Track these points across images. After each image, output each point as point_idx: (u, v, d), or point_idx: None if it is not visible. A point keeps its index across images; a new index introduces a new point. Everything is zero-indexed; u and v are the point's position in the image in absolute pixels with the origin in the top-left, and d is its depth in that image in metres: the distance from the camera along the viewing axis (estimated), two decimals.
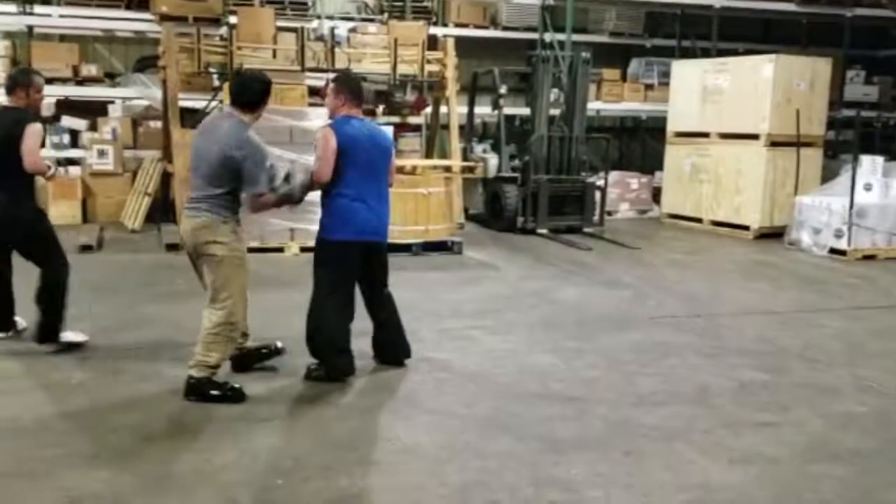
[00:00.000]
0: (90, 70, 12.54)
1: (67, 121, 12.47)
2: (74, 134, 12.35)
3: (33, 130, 5.22)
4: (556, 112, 11.82)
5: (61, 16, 12.52)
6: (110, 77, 13.10)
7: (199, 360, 4.56)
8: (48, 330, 5.37)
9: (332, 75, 11.88)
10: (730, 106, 11.72)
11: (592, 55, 11.98)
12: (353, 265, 5.01)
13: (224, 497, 3.56)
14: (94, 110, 12.59)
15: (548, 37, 13.65)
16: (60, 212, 11.35)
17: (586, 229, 11.33)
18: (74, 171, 11.89)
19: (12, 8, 12.26)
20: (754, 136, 11.39)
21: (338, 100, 5.01)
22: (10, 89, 5.41)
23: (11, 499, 3.49)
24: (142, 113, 12.71)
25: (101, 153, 11.70)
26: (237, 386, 4.67)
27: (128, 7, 12.57)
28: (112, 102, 12.78)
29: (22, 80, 5.43)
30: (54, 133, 12.28)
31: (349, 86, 5.08)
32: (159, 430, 4.26)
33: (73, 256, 8.87)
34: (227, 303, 4.58)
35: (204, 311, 4.62)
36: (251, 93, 4.70)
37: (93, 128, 12.31)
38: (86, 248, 9.21)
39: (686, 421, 4.61)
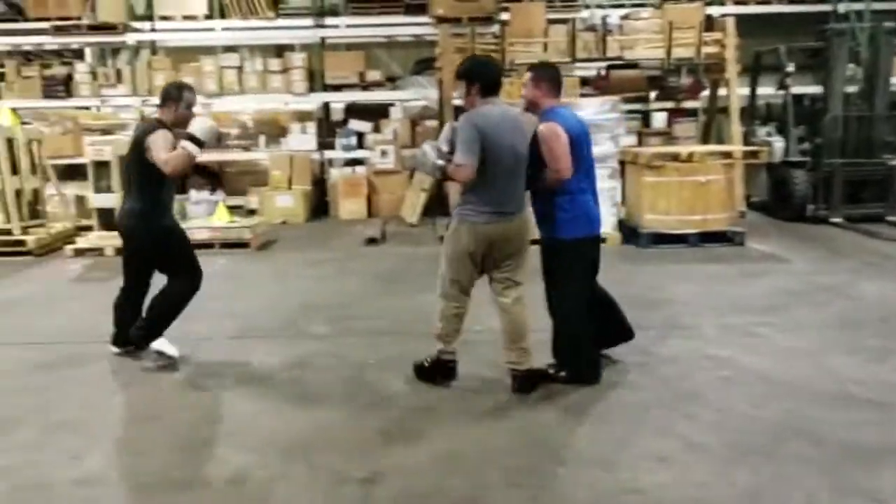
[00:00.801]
0: (374, 75, 13.43)
1: (354, 124, 13.49)
2: (360, 136, 13.32)
3: (155, 137, 4.96)
4: (852, 89, 10.73)
5: (348, 26, 13.54)
6: (391, 81, 13.92)
7: (527, 347, 4.64)
8: (142, 335, 5.25)
9: (603, 64, 12.00)
10: None
11: None
12: (589, 261, 4.83)
13: (509, 480, 3.60)
14: (377, 113, 13.48)
15: (842, 7, 12.47)
16: (349, 208, 12.34)
17: (890, 218, 10.18)
18: (360, 170, 12.82)
19: (308, 22, 13.45)
20: None
21: (538, 90, 4.74)
22: (162, 102, 5.24)
23: (328, 472, 3.76)
24: (419, 113, 13.38)
25: (384, 153, 12.48)
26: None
27: (406, 12, 13.29)
28: (393, 105, 13.59)
29: (173, 94, 5.20)
30: (343, 136, 13.33)
31: (549, 75, 4.80)
32: (444, 411, 4.40)
33: (361, 249, 9.64)
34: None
35: (515, 305, 4.62)
36: (499, 79, 4.63)
37: (376, 129, 13.19)
38: (372, 241, 9.88)
39: None
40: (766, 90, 11.86)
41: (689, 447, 3.89)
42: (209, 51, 13.90)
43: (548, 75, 4.78)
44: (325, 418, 4.39)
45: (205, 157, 12.67)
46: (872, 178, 10.39)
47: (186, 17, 13.45)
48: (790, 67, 10.87)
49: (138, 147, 5.02)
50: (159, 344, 5.21)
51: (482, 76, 4.51)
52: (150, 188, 5.11)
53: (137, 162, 5.05)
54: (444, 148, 4.49)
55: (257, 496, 3.53)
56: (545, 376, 4.73)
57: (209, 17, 13.62)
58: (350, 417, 4.39)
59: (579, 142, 4.67)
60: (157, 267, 5.32)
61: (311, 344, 5.77)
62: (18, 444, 4.11)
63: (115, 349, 5.45)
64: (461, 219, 4.52)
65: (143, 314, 5.26)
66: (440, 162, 4.48)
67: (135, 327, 5.25)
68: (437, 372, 4.79)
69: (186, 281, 5.25)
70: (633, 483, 3.55)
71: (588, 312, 4.81)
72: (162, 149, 4.91)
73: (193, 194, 11.30)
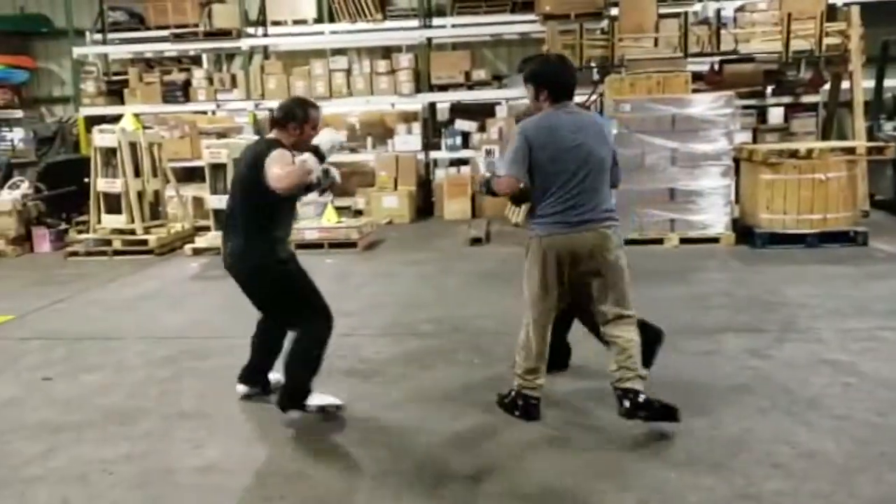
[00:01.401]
0: (479, 74, 13.46)
1: (459, 124, 13.55)
2: (466, 136, 13.37)
3: (275, 155, 4.08)
4: None
5: (454, 25, 13.62)
6: (497, 79, 13.92)
7: (639, 373, 4.04)
8: (291, 396, 4.39)
9: (717, 59, 11.63)
10: None
11: None
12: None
13: (618, 483, 3.56)
14: (482, 112, 13.50)
15: None
16: (453, 208, 12.41)
17: None
18: (465, 170, 12.87)
19: (415, 23, 13.61)
20: None
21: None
22: (282, 122, 4.31)
23: (434, 468, 3.82)
24: (525, 111, 13.28)
25: (489, 152, 12.48)
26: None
27: (512, 10, 13.26)
28: (499, 104, 13.58)
29: (299, 114, 4.29)
30: (448, 136, 13.41)
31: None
32: (552, 412, 4.37)
33: (465, 249, 9.67)
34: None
35: (615, 329, 4.06)
36: (573, 82, 4.11)
37: (481, 129, 13.21)
38: (476, 241, 9.91)
39: None
40: (895, 82, 11.26)
41: (807, 455, 3.74)
42: (319, 54, 14.25)
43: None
44: (431, 415, 4.44)
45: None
46: None
47: (297, 22, 13.84)
48: None
49: (255, 169, 4.12)
50: (316, 401, 4.39)
51: (552, 80, 4.02)
52: (261, 221, 4.26)
53: (251, 189, 4.17)
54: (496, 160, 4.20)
55: (366, 490, 3.60)
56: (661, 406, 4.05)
57: (318, 20, 13.97)
58: (456, 415, 4.41)
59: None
60: (272, 315, 4.56)
61: (418, 342, 5.84)
62: (145, 432, 4.33)
63: (239, 388, 4.78)
64: (532, 233, 4.10)
65: (282, 376, 4.47)
66: (487, 174, 4.09)
67: (278, 395, 4.44)
68: (515, 408, 4.22)
69: (310, 327, 4.35)
70: (747, 489, 3.43)
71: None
72: (277, 164, 4.05)
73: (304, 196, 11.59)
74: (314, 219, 10.51)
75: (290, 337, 4.42)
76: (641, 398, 3.96)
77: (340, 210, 10.91)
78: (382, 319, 6.46)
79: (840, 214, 8.65)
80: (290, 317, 4.41)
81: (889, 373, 4.78)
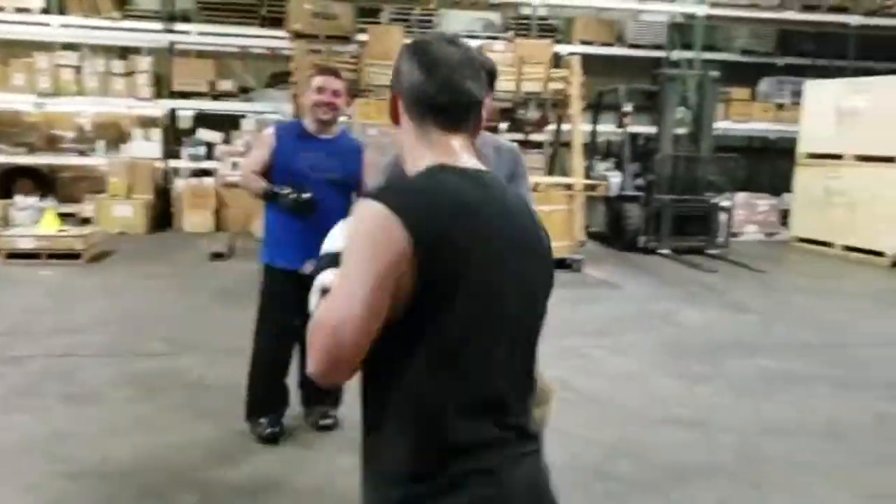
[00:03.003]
0: (225, 85, 13.11)
1: (203, 133, 13.09)
2: (210, 146, 12.94)
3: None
4: (682, 131, 11.55)
5: (200, 33, 13.18)
6: (244, 92, 13.63)
7: None
8: None
9: None
10: (868, 127, 11.07)
11: (721, 73, 11.70)
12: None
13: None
14: (228, 124, 13.16)
15: (675, 55, 13.38)
16: (194, 220, 11.94)
17: (710, 251, 10.97)
18: (209, 181, 12.44)
19: (157, 26, 12.99)
20: (893, 160, 10.75)
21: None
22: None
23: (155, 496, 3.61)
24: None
25: (234, 165, 12.18)
26: None
27: (262, 25, 13.11)
28: (245, 116, 13.31)
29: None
30: (190, 145, 12.91)
31: None
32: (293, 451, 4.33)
33: (205, 263, 9.31)
34: None
35: None
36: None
37: (226, 141, 12.86)
38: (217, 256, 9.60)
39: (817, 454, 4.38)
40: (607, 127, 12.51)
41: None
42: (45, 47, 13.08)
43: None
44: (160, 445, 4.23)
45: (35, 160, 11.99)
46: (696, 213, 11.18)
47: (20, 10, 12.61)
48: (628, 107, 11.54)
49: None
50: None
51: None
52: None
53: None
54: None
55: None
56: None
57: (46, 11, 12.86)
58: (184, 446, 4.24)
59: None
60: None
61: (147, 363, 5.53)
62: None
63: None
64: None
65: None
66: None
67: None
68: None
69: None
70: None
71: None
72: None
73: (19, 199, 10.62)
74: (29, 225, 9.61)
75: None
76: None
77: (64, 217, 10.07)
78: (106, 339, 6.03)
79: (560, 244, 9.42)
80: None
81: (597, 389, 5.27)
